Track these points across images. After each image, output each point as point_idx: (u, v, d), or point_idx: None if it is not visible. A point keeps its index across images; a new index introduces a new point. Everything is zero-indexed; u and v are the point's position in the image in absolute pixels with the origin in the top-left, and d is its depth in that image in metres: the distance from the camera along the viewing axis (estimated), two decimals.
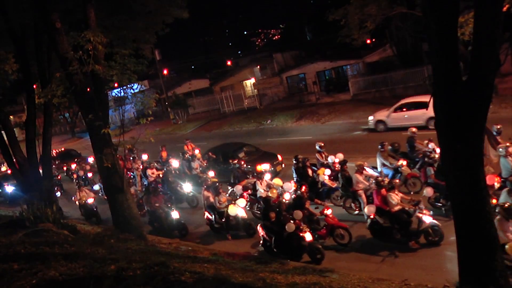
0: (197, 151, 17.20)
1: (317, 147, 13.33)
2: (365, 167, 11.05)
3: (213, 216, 11.41)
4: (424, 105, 15.37)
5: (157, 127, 34.50)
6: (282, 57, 41.76)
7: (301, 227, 8.82)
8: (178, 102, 36.26)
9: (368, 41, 27.55)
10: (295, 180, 12.21)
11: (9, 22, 11.61)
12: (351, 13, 17.00)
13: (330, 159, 12.38)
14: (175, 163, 16.55)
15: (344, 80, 31.83)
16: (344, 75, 34.23)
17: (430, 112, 15.82)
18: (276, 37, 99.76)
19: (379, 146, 11.95)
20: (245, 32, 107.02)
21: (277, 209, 9.60)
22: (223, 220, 11.16)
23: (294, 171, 12.57)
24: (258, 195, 11.71)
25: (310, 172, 12.34)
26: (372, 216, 9.01)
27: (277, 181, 11.75)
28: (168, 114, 36.90)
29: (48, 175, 13.29)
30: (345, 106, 26.13)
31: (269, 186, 11.54)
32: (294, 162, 12.63)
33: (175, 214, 11.86)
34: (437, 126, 5.44)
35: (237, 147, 16.75)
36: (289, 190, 10.98)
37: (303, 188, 10.85)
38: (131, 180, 16.06)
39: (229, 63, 59.95)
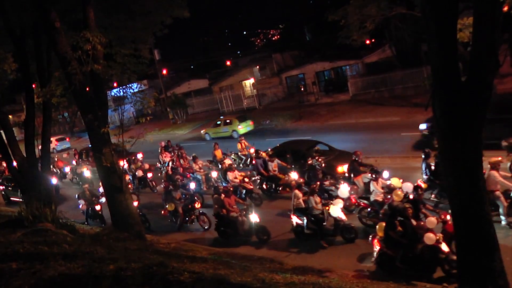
0: (252, 150, 15.67)
1: None
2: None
3: (304, 220, 9.96)
4: None
5: (156, 127, 34.51)
6: (281, 57, 41.82)
7: (437, 237, 7.49)
8: (177, 102, 36.27)
9: (368, 42, 27.63)
10: (425, 179, 10.70)
11: (9, 21, 11.59)
12: (351, 14, 16.99)
13: None
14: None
15: (344, 80, 31.85)
16: (343, 75, 34.28)
17: None
18: (275, 37, 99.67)
19: None
20: (245, 32, 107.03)
21: (403, 217, 8.10)
22: (317, 224, 9.77)
23: (424, 168, 10.93)
24: (372, 198, 10.05)
25: None
26: None
27: (395, 181, 10.00)
28: (167, 114, 36.91)
29: (47, 175, 13.27)
30: (344, 106, 26.15)
31: (389, 188, 9.67)
32: (423, 157, 11.02)
33: (254, 217, 10.55)
34: (437, 126, 5.44)
35: (309, 145, 14.98)
36: (410, 192, 9.21)
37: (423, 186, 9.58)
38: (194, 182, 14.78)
39: (228, 63, 59.89)
